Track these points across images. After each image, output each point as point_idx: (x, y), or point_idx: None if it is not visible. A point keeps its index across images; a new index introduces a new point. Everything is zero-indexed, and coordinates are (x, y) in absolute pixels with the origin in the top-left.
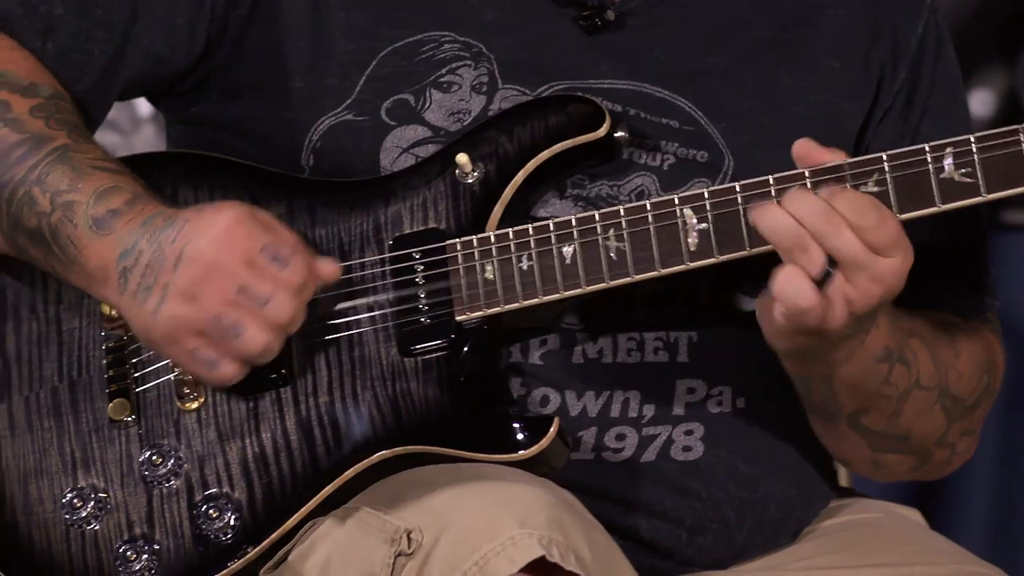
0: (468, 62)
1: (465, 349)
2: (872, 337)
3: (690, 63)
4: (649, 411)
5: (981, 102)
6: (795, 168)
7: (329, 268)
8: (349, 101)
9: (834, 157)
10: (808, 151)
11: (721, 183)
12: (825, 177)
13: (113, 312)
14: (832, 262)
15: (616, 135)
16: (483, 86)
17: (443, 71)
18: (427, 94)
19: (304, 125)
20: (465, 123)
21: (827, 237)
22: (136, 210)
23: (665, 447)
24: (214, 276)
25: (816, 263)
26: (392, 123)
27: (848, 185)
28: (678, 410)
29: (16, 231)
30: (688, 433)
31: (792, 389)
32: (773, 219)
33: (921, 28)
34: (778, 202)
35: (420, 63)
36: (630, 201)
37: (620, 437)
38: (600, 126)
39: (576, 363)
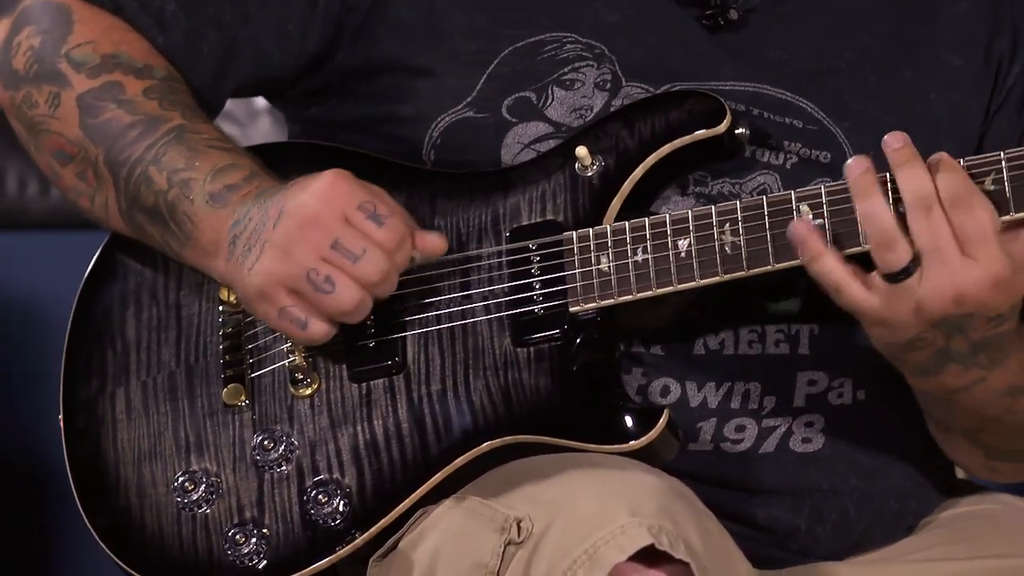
0: (591, 62)
1: (578, 340)
2: (996, 375)
3: (813, 62)
4: (769, 403)
5: None
6: None
7: (433, 241)
8: (469, 99)
9: None
10: None
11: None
12: None
13: (232, 298)
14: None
15: (737, 131)
16: (606, 83)
17: (566, 69)
18: (549, 91)
19: (424, 123)
20: (587, 119)
21: (915, 217)
22: (253, 185)
23: (784, 439)
24: (310, 230)
25: (901, 258)
26: (513, 120)
27: None
28: (799, 402)
29: (134, 208)
30: (808, 425)
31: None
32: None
33: None
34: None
35: (542, 62)
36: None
37: (740, 428)
38: (721, 122)
39: (697, 354)
